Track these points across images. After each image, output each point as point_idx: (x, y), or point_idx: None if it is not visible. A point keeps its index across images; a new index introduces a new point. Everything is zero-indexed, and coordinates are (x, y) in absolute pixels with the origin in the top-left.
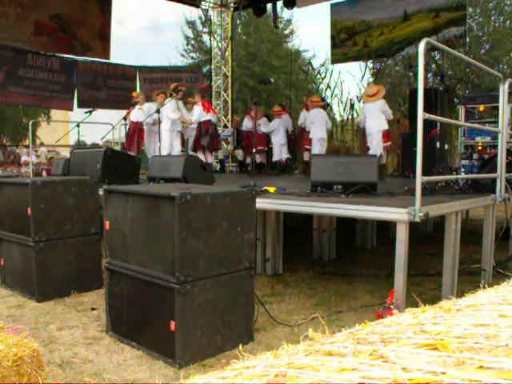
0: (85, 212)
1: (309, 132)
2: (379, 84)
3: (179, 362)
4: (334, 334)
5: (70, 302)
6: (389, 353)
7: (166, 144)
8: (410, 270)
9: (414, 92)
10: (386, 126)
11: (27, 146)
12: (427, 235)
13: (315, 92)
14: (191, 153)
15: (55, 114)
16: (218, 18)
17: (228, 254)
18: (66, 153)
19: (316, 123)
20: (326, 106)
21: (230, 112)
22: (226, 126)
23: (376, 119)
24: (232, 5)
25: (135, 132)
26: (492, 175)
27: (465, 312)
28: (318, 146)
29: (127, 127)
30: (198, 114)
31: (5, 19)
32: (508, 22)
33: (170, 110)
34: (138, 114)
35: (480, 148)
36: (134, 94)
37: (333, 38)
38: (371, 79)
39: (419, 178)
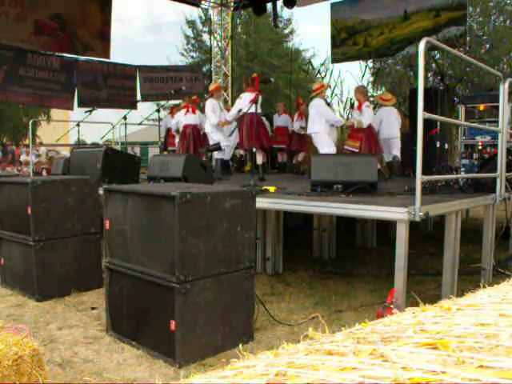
0: (85, 211)
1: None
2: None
3: (179, 361)
4: (334, 333)
5: (70, 302)
6: (389, 352)
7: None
8: (409, 270)
9: (414, 91)
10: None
11: (27, 146)
12: (427, 235)
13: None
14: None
15: (55, 113)
16: (218, 17)
17: (228, 253)
18: (66, 152)
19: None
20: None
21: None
22: None
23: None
24: (232, 4)
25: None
26: (492, 174)
27: (465, 311)
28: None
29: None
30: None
31: (5, 18)
32: (508, 21)
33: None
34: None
35: (480, 147)
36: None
37: (333, 37)
38: (371, 78)
39: (419, 178)
